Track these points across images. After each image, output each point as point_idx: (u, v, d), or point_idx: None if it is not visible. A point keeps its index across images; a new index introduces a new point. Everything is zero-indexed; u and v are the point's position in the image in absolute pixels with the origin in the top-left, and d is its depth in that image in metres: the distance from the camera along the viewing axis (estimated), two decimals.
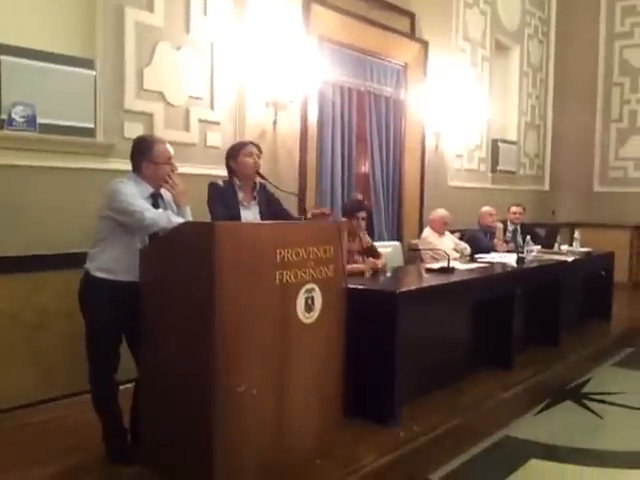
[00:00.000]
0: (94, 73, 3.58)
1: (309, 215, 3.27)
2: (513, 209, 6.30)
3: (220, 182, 3.24)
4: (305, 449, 2.74)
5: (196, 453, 2.50)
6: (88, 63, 3.56)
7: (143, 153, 2.77)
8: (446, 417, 3.32)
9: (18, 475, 2.63)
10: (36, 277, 3.40)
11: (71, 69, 3.47)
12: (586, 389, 4.50)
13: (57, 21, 3.59)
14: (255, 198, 3.29)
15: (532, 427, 3.74)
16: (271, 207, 3.35)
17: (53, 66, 3.39)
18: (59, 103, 3.43)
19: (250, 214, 3.24)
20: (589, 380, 4.69)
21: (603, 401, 4.24)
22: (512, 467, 3.17)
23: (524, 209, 6.36)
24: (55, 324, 3.44)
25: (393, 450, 2.92)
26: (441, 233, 5.51)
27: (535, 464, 3.24)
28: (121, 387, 2.85)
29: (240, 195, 3.23)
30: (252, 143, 3.32)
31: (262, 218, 3.27)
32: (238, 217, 3.16)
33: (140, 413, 2.79)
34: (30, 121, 3.31)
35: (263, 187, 3.33)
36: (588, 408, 4.11)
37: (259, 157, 3.27)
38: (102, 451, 2.80)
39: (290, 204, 3.56)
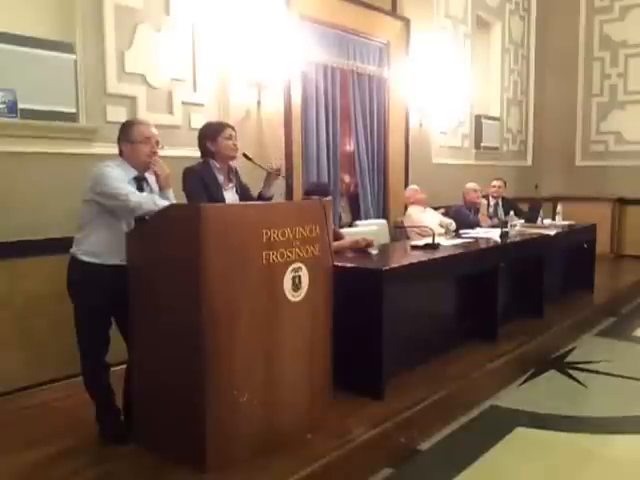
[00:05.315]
0: (74, 57, 3.56)
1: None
2: (494, 183, 6.40)
3: (196, 166, 3.18)
4: (296, 424, 2.79)
5: (188, 432, 2.55)
6: (68, 47, 3.54)
7: (123, 134, 2.79)
8: (433, 389, 3.39)
9: (12, 458, 2.66)
10: (24, 262, 3.41)
11: (51, 53, 3.45)
12: (570, 358, 4.59)
13: (35, 5, 3.55)
14: (232, 180, 3.26)
15: (518, 397, 3.82)
16: (243, 192, 3.33)
17: (33, 50, 3.37)
18: (40, 88, 3.41)
19: (230, 195, 3.22)
20: (573, 350, 4.78)
21: (587, 370, 4.33)
22: (499, 436, 3.24)
23: (505, 183, 6.45)
24: (45, 308, 3.46)
25: (382, 422, 2.97)
26: (424, 205, 5.57)
27: (521, 432, 3.32)
28: (114, 368, 2.88)
29: (220, 178, 3.19)
30: (229, 125, 3.25)
31: (240, 200, 3.24)
32: (222, 200, 3.13)
33: (132, 394, 2.82)
34: (11, 107, 3.29)
35: (236, 171, 3.31)
36: (572, 377, 4.20)
37: (236, 139, 3.22)
38: (96, 432, 2.84)
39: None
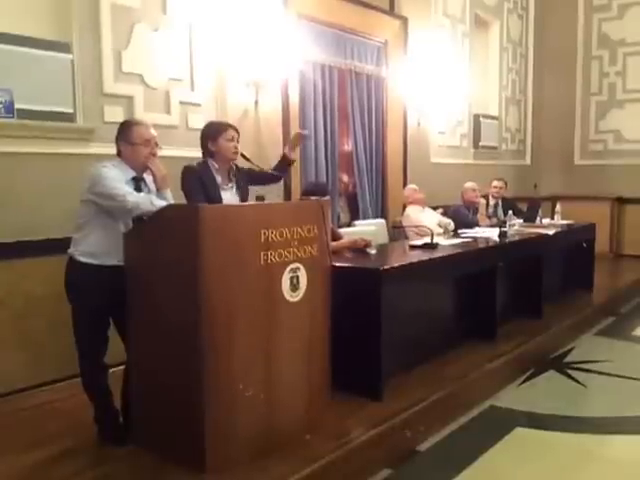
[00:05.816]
0: (71, 57, 3.55)
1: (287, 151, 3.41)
2: (494, 183, 6.38)
3: (195, 165, 3.16)
4: (294, 424, 2.78)
5: (187, 432, 2.54)
6: (65, 47, 3.53)
7: (121, 134, 2.77)
8: (432, 389, 3.38)
9: (10, 459, 2.65)
10: (22, 263, 3.40)
11: (48, 53, 3.43)
12: (569, 358, 4.59)
13: (32, 5, 3.54)
14: (232, 180, 3.24)
15: (517, 397, 3.81)
16: (253, 178, 3.35)
17: (29, 51, 3.35)
18: (37, 88, 3.40)
19: (229, 195, 3.20)
20: (572, 349, 4.78)
21: (586, 370, 4.32)
22: (498, 436, 3.24)
23: (506, 184, 6.44)
24: (43, 309, 3.45)
25: (381, 423, 2.97)
26: (422, 205, 5.57)
27: (520, 432, 3.31)
28: (112, 369, 2.87)
29: (218, 178, 3.17)
30: (231, 126, 3.23)
31: (240, 199, 3.23)
32: (219, 200, 3.11)
33: (130, 395, 2.82)
34: (8, 107, 3.28)
35: (238, 169, 3.29)
36: (571, 377, 4.19)
37: (238, 141, 3.21)
38: (94, 433, 2.83)
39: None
